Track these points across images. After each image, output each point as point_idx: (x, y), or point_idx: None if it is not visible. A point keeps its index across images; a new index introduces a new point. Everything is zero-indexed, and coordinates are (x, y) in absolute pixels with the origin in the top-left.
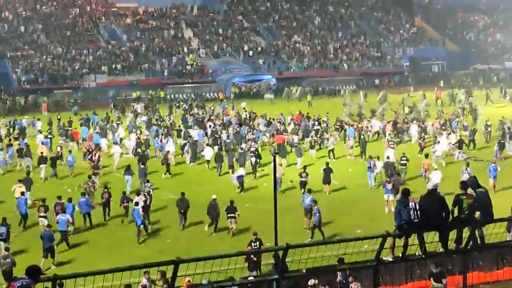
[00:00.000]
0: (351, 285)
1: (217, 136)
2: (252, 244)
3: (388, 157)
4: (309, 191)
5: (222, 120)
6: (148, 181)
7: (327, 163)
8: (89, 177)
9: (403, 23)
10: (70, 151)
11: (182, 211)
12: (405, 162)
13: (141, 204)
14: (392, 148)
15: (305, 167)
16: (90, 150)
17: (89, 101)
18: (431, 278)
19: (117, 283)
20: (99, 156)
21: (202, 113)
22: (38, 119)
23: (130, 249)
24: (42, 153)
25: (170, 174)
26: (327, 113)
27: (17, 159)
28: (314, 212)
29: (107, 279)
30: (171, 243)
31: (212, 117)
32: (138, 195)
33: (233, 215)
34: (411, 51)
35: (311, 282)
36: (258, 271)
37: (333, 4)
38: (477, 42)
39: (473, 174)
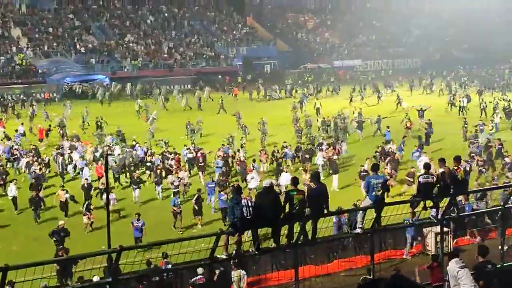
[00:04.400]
0: (232, 272)
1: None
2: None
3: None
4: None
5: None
6: None
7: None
8: None
9: (235, 22)
10: None
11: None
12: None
13: None
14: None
15: None
16: None
17: None
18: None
19: None
20: None
21: None
22: None
23: None
24: None
25: None
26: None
27: None
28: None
29: None
30: None
31: None
32: None
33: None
34: (244, 50)
35: (199, 270)
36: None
37: (165, 4)
38: (307, 41)
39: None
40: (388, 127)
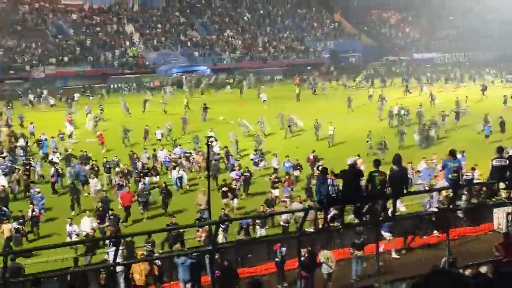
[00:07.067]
0: (319, 253)
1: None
2: None
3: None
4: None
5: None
6: None
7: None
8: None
9: (323, 19)
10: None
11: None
12: None
13: None
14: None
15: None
16: None
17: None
18: (353, 247)
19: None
20: None
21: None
22: None
23: None
24: None
25: None
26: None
27: None
28: None
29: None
30: None
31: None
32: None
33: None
34: (331, 44)
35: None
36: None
37: (261, 2)
38: (389, 36)
39: None
40: (488, 121)
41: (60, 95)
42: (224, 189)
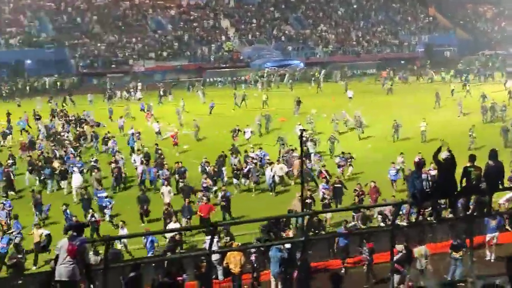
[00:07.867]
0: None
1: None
2: None
3: None
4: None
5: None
6: None
7: None
8: None
9: (418, 13)
10: None
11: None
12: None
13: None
14: None
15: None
16: None
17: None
18: (451, 249)
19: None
20: None
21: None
22: None
23: None
24: None
25: None
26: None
27: None
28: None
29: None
30: None
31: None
32: None
33: None
34: (426, 38)
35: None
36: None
37: None
38: (485, 30)
39: None
40: None
41: (160, 88)
42: (308, 201)
